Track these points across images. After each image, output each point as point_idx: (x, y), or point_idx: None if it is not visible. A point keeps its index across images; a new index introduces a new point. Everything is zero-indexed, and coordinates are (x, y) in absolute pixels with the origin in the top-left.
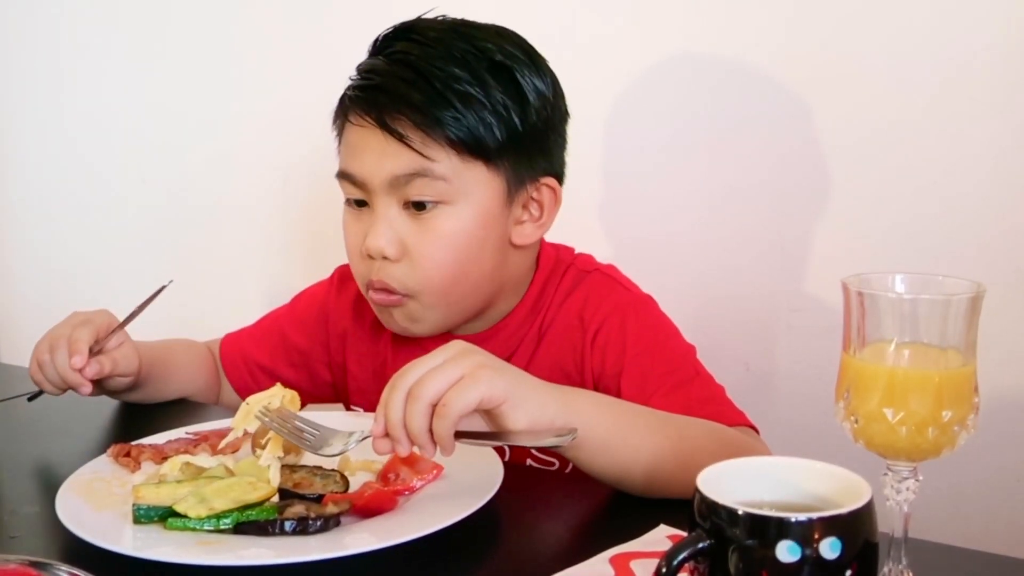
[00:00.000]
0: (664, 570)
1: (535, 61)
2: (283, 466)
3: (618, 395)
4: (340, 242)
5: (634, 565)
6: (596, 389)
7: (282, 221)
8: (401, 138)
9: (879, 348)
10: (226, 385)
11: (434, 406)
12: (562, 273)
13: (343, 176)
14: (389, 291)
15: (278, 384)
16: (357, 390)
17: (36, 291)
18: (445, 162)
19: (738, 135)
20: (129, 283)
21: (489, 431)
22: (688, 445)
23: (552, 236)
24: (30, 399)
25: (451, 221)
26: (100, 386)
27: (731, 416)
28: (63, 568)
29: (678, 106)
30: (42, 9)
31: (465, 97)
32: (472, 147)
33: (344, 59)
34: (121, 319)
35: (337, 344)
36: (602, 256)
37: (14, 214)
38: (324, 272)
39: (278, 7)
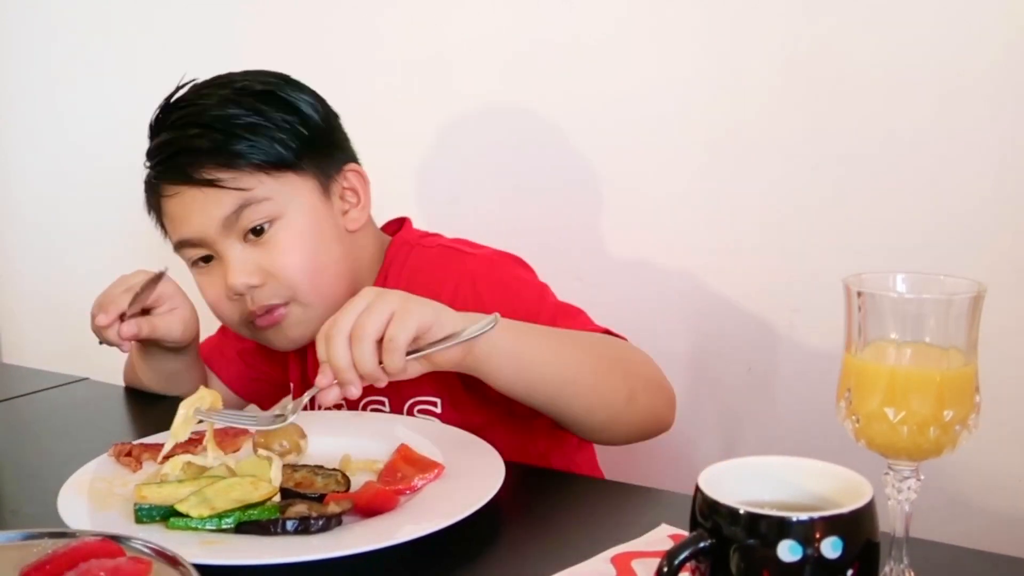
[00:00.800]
0: (665, 569)
1: (289, 80)
2: (284, 466)
3: None
4: None
5: (635, 565)
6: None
7: None
8: (213, 183)
9: (880, 348)
10: (214, 386)
11: (377, 343)
12: (405, 255)
13: (181, 245)
14: (270, 309)
15: (201, 387)
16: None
17: (36, 291)
18: (260, 187)
19: (739, 136)
20: None
21: (419, 346)
22: (593, 353)
23: (553, 237)
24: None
25: (289, 230)
26: (149, 348)
27: (600, 329)
28: (139, 540)
29: (679, 107)
30: (42, 9)
31: (250, 127)
32: (276, 164)
33: (341, 61)
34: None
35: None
36: (603, 256)
37: (14, 214)
38: None
39: (278, 8)
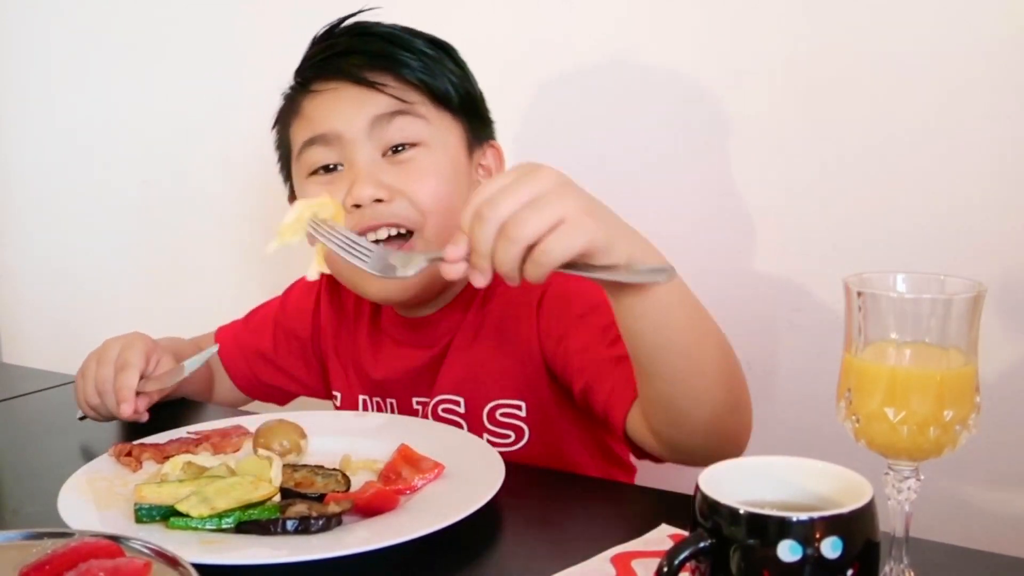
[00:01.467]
0: (665, 569)
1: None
2: (284, 465)
3: (566, 355)
4: None
5: (635, 564)
6: (544, 355)
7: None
8: (375, 85)
9: (880, 348)
10: (220, 382)
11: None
12: None
13: (311, 143)
14: (398, 228)
15: (326, 194)
16: (335, 378)
17: (37, 291)
18: (421, 105)
19: (739, 135)
20: (129, 283)
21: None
22: (724, 352)
23: None
24: (81, 419)
25: (431, 159)
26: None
27: None
28: (139, 540)
29: (679, 105)
30: (42, 9)
31: (425, 54)
32: (440, 95)
33: None
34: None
35: (322, 338)
36: None
37: (15, 214)
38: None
39: (278, 8)
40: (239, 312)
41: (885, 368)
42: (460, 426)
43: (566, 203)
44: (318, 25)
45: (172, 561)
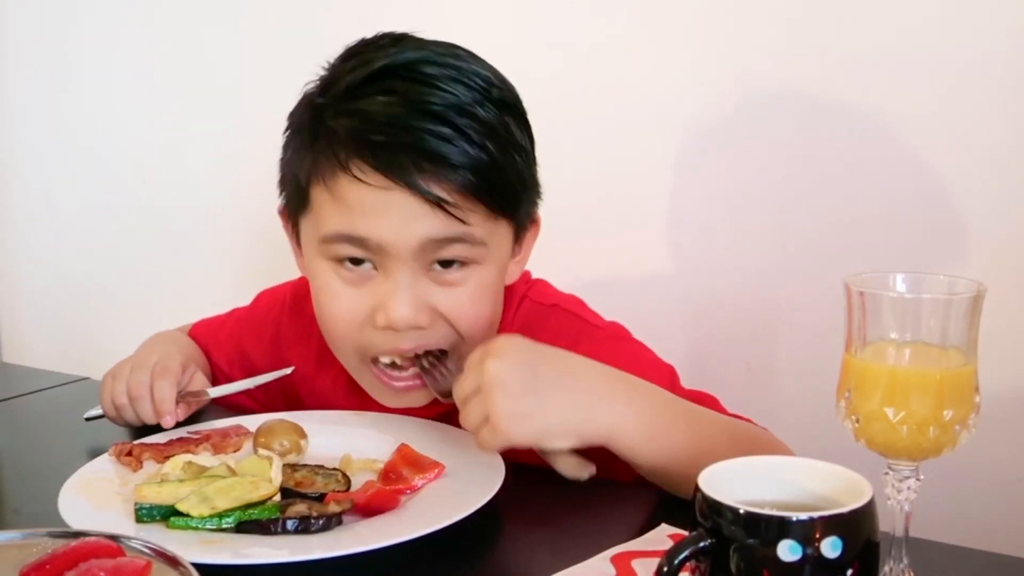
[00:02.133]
0: (665, 569)
1: (513, 89)
2: (284, 465)
3: None
4: None
5: (635, 564)
6: None
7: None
8: (439, 203)
9: (880, 347)
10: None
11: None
12: (516, 306)
13: (345, 239)
14: (434, 351)
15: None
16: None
17: (37, 291)
18: (480, 225)
19: (739, 134)
20: (129, 283)
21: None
22: (706, 444)
23: (554, 236)
24: (89, 419)
25: (481, 278)
26: None
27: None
28: (139, 540)
29: (679, 106)
30: (44, 9)
31: (499, 141)
32: (502, 204)
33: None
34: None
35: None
36: (602, 257)
37: (15, 214)
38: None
39: (279, 9)
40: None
41: (885, 368)
42: None
43: (488, 405)
44: (318, 24)
45: (172, 561)
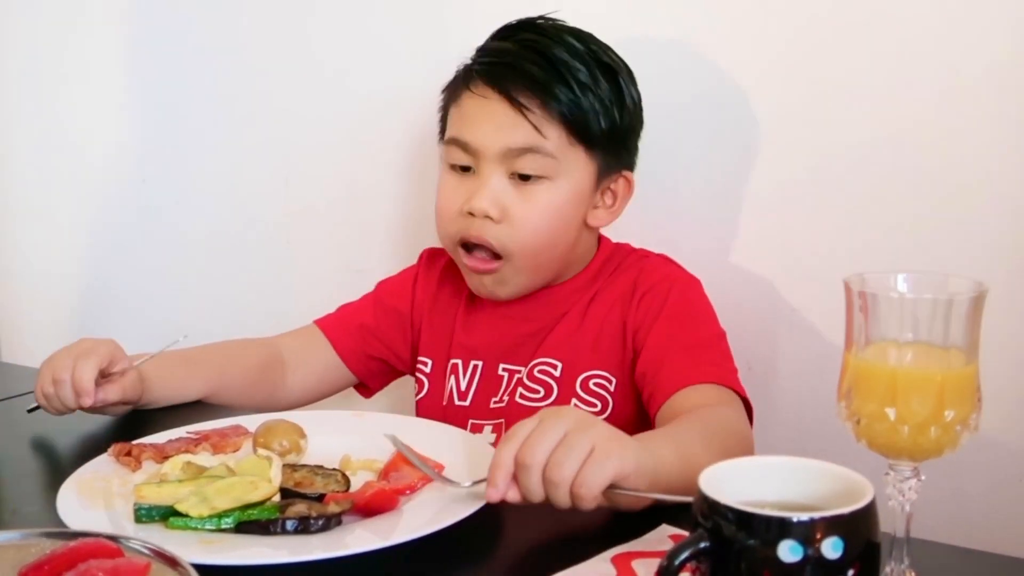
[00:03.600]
0: (666, 570)
1: (630, 72)
2: (284, 465)
3: (642, 347)
4: (340, 242)
5: (636, 565)
6: (630, 339)
7: (283, 221)
8: (522, 108)
9: (881, 348)
10: (293, 371)
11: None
12: (625, 255)
13: (454, 143)
14: (487, 252)
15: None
16: (425, 345)
17: (37, 291)
18: (555, 140)
19: (740, 134)
20: (129, 283)
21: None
22: (712, 449)
23: None
24: (30, 411)
25: (550, 194)
26: (101, 409)
27: (731, 380)
28: (138, 541)
29: (679, 105)
30: (42, 8)
31: (581, 84)
32: (579, 130)
33: (346, 61)
34: (126, 349)
35: (419, 309)
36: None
37: (14, 214)
38: (326, 272)
39: (280, 8)
40: (238, 313)
41: (886, 368)
42: (551, 388)
43: (591, 435)
44: (318, 24)
45: (172, 561)
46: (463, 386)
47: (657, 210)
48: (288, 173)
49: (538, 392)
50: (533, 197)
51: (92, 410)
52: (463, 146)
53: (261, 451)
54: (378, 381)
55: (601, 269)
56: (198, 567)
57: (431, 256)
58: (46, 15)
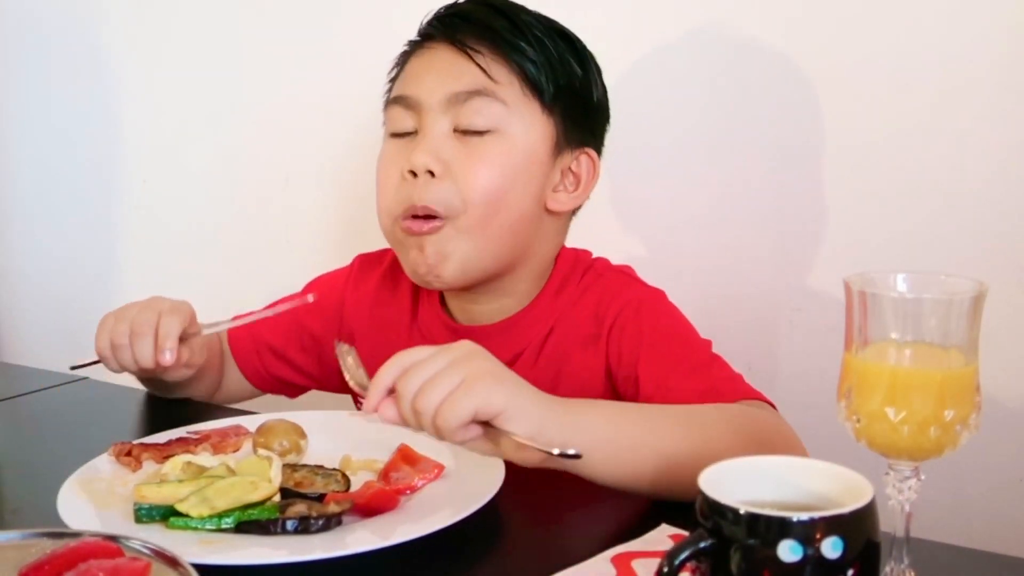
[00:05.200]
0: (666, 569)
1: (596, 62)
2: (284, 465)
3: (636, 384)
4: (340, 242)
5: (636, 565)
6: (611, 381)
7: (284, 221)
8: (469, 51)
9: (881, 347)
10: (229, 376)
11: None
12: (581, 273)
13: (395, 101)
14: (428, 215)
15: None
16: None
17: (37, 291)
18: (507, 87)
19: (740, 134)
20: (129, 283)
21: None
22: (706, 439)
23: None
24: (77, 368)
25: (500, 148)
26: (159, 377)
27: (753, 393)
28: (138, 540)
29: (679, 105)
30: (41, 9)
31: (536, 38)
32: (533, 82)
33: (347, 60)
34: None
35: (348, 335)
36: (602, 255)
37: (14, 214)
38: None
39: (281, 7)
40: (239, 313)
41: (886, 368)
42: None
43: (465, 368)
44: (320, 26)
45: (172, 561)
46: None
47: (657, 210)
48: (288, 173)
49: None
50: (480, 150)
51: (154, 373)
52: (404, 102)
53: (261, 451)
54: (289, 393)
55: (560, 291)
56: (198, 567)
57: (361, 270)
58: (46, 15)
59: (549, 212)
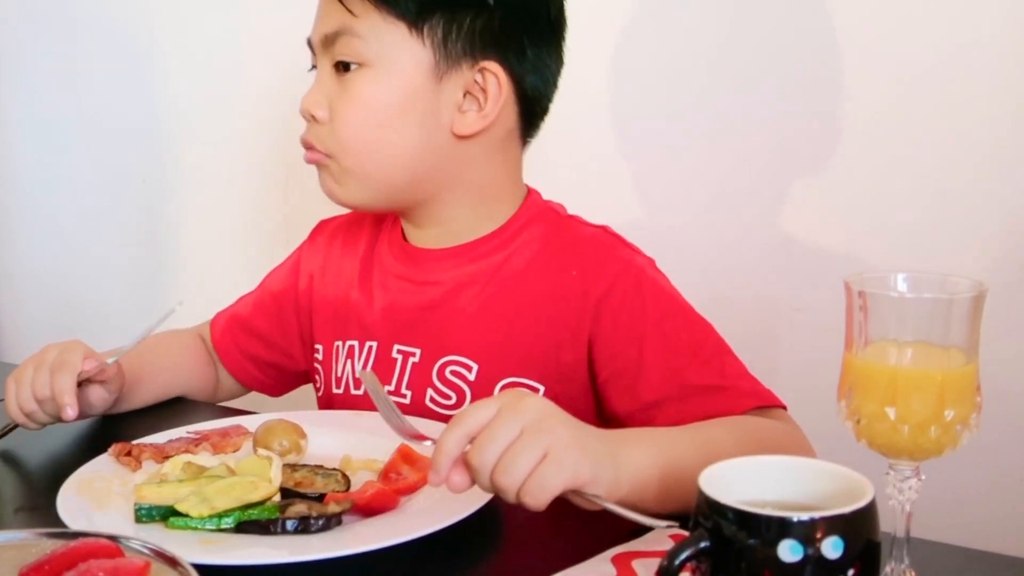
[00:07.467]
0: (666, 570)
1: None
2: (284, 465)
3: (639, 362)
4: None
5: (636, 564)
6: (590, 352)
7: (283, 221)
8: None
9: (881, 347)
10: (223, 376)
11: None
12: (554, 223)
13: (308, 44)
14: (314, 149)
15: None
16: (318, 330)
17: (37, 291)
18: (365, 20)
19: (740, 132)
20: (128, 283)
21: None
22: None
23: None
24: (5, 432)
25: (370, 85)
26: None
27: (765, 395)
28: (138, 541)
29: (678, 103)
30: (43, 9)
31: None
32: (389, 5)
33: None
34: (100, 345)
35: (306, 283)
36: None
37: (14, 214)
38: None
39: (280, 7)
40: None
41: (886, 368)
42: (464, 394)
43: (547, 438)
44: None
45: (172, 561)
46: (359, 373)
47: (657, 210)
48: (287, 173)
49: (450, 398)
50: (351, 89)
51: (78, 418)
52: (309, 45)
53: (261, 451)
54: (270, 390)
55: (524, 228)
56: (198, 567)
57: (321, 227)
58: (46, 15)
59: (461, 137)
